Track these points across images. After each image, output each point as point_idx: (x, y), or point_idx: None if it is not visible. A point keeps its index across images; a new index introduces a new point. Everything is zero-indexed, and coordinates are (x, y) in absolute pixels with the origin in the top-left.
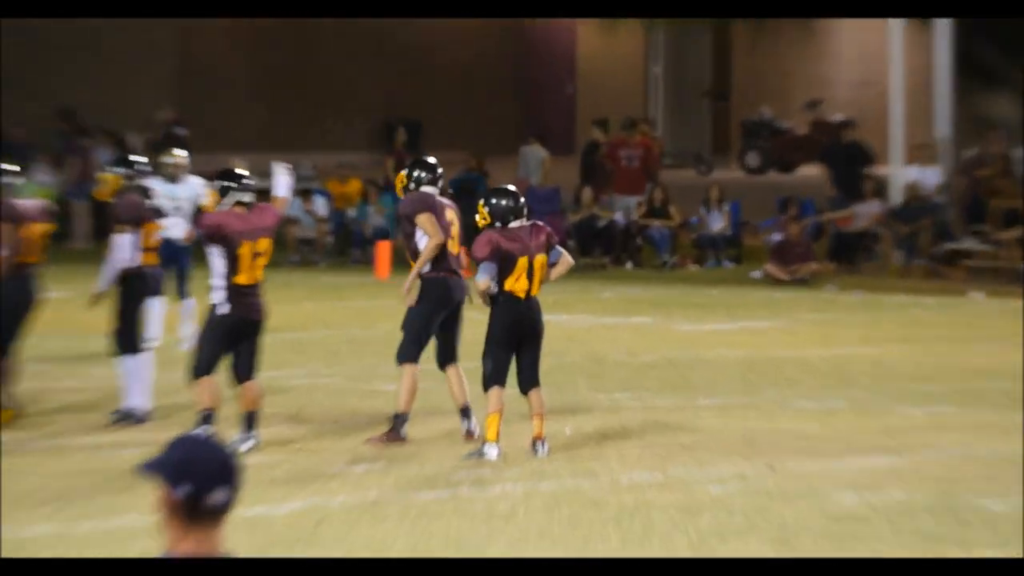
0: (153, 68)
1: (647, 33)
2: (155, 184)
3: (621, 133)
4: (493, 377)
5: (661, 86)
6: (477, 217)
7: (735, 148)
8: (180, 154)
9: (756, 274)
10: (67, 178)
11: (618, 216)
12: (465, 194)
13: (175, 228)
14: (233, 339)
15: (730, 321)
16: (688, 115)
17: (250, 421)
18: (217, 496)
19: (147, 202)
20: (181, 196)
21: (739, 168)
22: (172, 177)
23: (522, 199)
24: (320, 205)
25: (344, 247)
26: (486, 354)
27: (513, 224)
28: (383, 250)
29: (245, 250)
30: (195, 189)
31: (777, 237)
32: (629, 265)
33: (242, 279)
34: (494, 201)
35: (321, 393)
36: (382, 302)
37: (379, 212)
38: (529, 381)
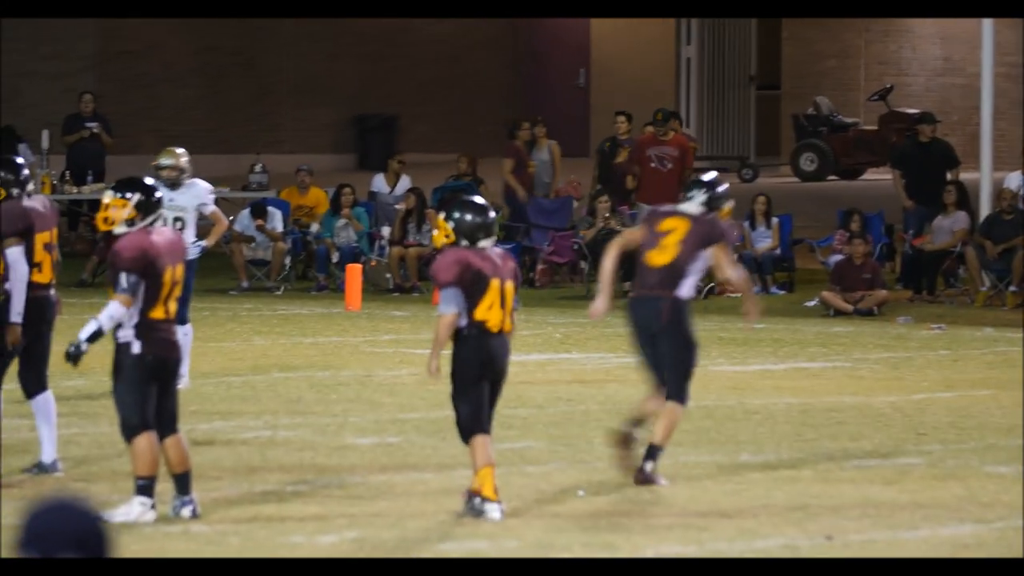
0: (70, 51)
1: None
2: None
3: (652, 128)
4: (474, 423)
5: (694, 72)
6: (436, 233)
7: (786, 149)
8: (179, 152)
9: (812, 303)
10: None
11: None
12: None
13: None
14: (152, 383)
15: (780, 361)
16: (728, 108)
17: (182, 483)
18: None
19: (36, 207)
20: (183, 204)
21: (791, 173)
22: (170, 182)
23: (493, 215)
24: (276, 219)
25: (305, 271)
26: (457, 397)
27: (482, 243)
28: (354, 275)
29: (167, 278)
30: (200, 195)
31: (837, 258)
32: None
33: (159, 312)
34: (458, 215)
35: (280, 449)
36: (353, 339)
37: (352, 228)
38: None
